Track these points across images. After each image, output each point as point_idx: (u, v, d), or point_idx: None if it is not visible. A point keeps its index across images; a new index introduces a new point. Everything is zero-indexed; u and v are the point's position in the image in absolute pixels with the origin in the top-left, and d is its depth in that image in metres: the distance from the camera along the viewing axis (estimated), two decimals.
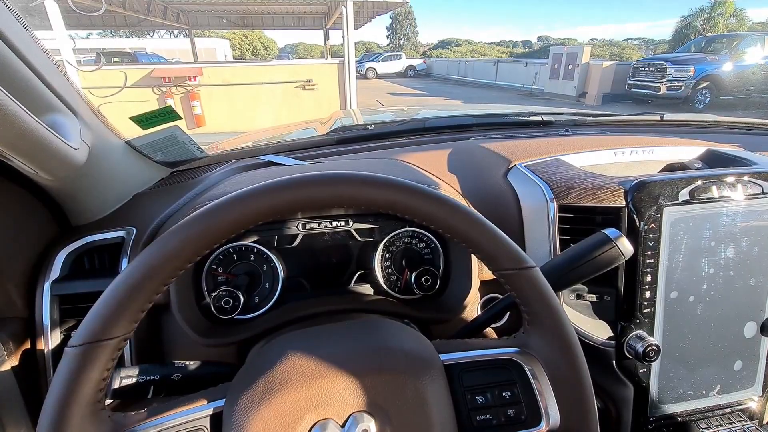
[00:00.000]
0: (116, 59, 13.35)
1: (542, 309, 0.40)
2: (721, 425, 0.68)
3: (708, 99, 9.53)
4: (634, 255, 0.59)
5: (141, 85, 6.88)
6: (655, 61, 10.42)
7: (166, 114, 0.73)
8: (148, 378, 0.46)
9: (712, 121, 1.25)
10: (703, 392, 0.66)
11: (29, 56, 0.46)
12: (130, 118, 0.72)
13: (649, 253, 0.59)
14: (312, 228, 0.70)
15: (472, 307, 0.68)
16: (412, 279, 0.70)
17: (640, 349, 0.59)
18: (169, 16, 11.01)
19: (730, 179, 0.61)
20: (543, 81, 13.91)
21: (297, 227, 0.69)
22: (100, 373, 0.32)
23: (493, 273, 0.41)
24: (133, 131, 0.77)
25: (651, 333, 0.61)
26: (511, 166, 0.73)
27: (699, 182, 0.59)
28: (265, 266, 0.69)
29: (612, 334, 0.63)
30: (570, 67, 12.35)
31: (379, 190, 0.37)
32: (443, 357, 0.41)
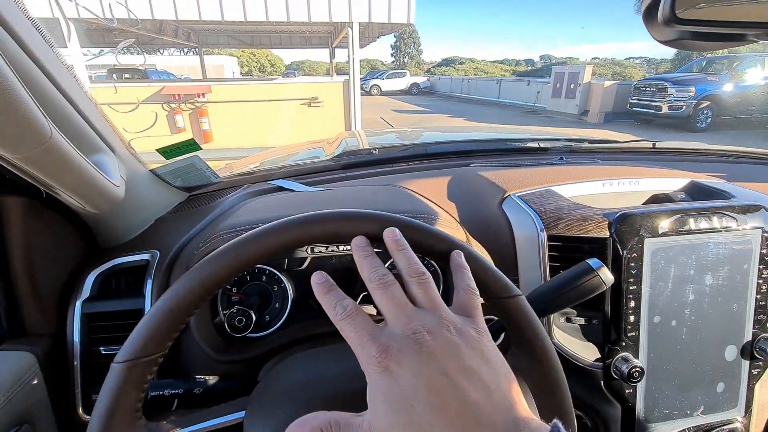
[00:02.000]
0: (127, 75, 13.73)
1: (528, 334, 0.44)
2: None
3: (710, 119, 9.63)
4: (618, 282, 0.64)
5: (151, 101, 7.07)
6: (656, 81, 10.57)
7: (189, 145, 0.79)
8: (174, 392, 0.51)
9: (701, 150, 1.30)
10: (688, 412, 0.69)
11: (77, 101, 0.53)
12: (156, 150, 0.78)
13: (632, 280, 0.64)
14: (320, 251, 0.75)
15: None
16: None
17: (626, 371, 0.63)
18: (180, 35, 11.38)
19: (708, 212, 0.66)
20: (545, 99, 14.12)
21: (306, 251, 0.75)
22: (140, 386, 0.37)
23: (484, 300, 0.46)
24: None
25: (636, 355, 0.65)
26: (506, 195, 0.79)
27: (677, 215, 0.65)
28: (275, 287, 0.74)
29: (600, 356, 0.67)
30: (572, 86, 12.55)
31: (383, 227, 0.43)
32: None
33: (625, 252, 0.63)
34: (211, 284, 0.40)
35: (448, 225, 0.70)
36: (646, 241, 0.64)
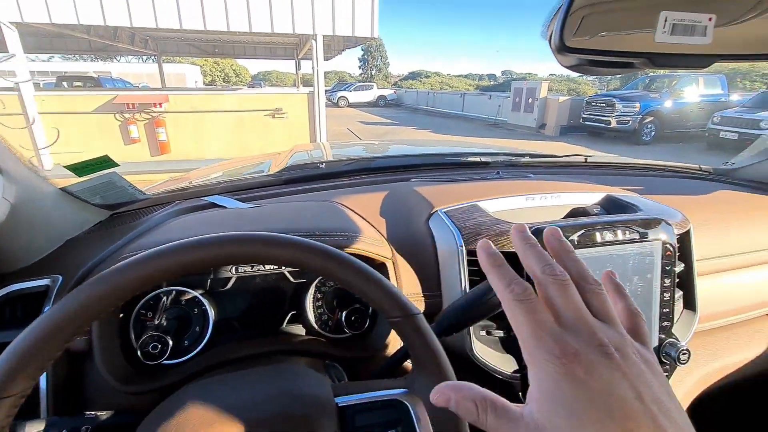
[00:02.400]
0: (78, 83, 13.02)
1: (424, 352, 0.45)
2: None
3: (653, 132, 10.38)
4: None
5: (103, 111, 6.73)
6: (605, 98, 11.31)
7: (103, 162, 0.75)
8: None
9: (627, 164, 1.39)
10: None
11: None
12: (65, 167, 0.74)
13: None
14: (245, 271, 0.73)
15: (395, 343, 0.72)
16: (343, 318, 0.74)
17: None
18: (137, 42, 10.95)
19: (613, 226, 0.70)
20: (506, 113, 14.71)
21: (230, 270, 0.72)
22: None
23: (386, 319, 0.46)
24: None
25: None
26: (433, 211, 0.80)
27: (584, 230, 0.68)
28: (196, 310, 0.71)
29: (519, 368, 0.69)
30: (530, 100, 13.17)
31: (275, 248, 0.42)
32: (339, 399, 0.45)
33: None
34: (83, 316, 0.37)
35: (372, 242, 0.71)
36: None
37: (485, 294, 0.55)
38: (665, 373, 0.75)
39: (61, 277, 0.66)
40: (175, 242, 0.40)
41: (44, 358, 0.36)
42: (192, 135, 7.25)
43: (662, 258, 0.72)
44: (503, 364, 0.68)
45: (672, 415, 0.26)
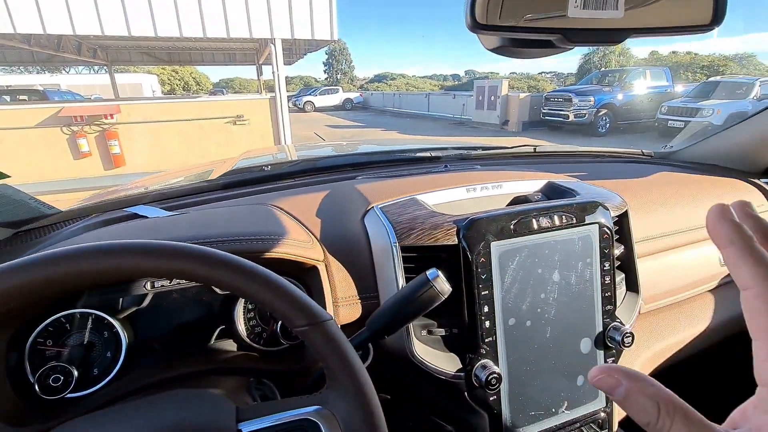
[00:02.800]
0: (23, 97, 12.18)
1: (336, 363, 0.40)
2: None
3: (608, 124, 10.87)
4: (470, 288, 0.63)
5: (48, 125, 6.30)
6: (562, 93, 11.76)
7: None
8: None
9: (575, 152, 1.41)
10: (553, 410, 0.70)
11: None
12: None
13: (482, 285, 0.63)
14: (162, 286, 0.66)
15: None
16: (278, 329, 0.68)
17: (483, 378, 0.62)
18: (84, 51, 10.37)
19: (549, 212, 0.68)
20: (470, 111, 15.00)
21: (144, 287, 0.65)
22: None
23: (291, 331, 0.41)
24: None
25: (496, 361, 0.65)
26: (369, 208, 0.76)
27: (521, 217, 0.66)
28: (106, 333, 0.63)
29: (462, 366, 0.65)
30: (492, 98, 13.49)
31: (153, 258, 0.36)
32: (243, 425, 0.40)
33: (473, 257, 0.63)
34: None
35: (299, 244, 0.65)
36: (492, 245, 0.64)
37: (417, 290, 0.51)
38: (611, 358, 0.74)
39: None
40: (16, 260, 0.34)
41: None
42: (148, 146, 6.92)
43: (600, 241, 0.71)
44: (446, 363, 0.65)
45: None
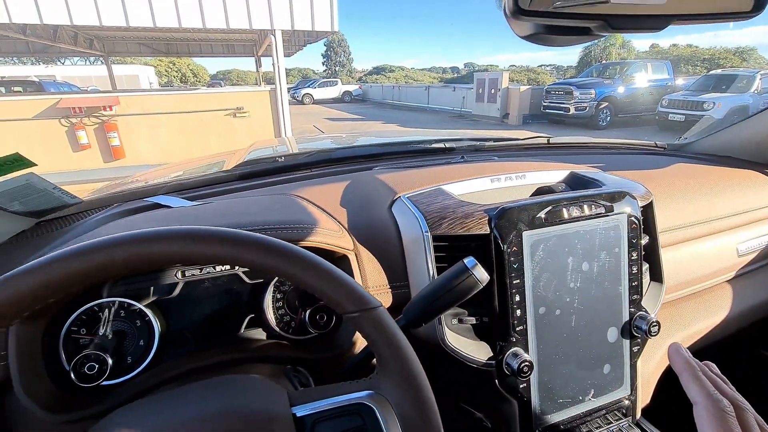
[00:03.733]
0: (18, 88, 12.03)
1: (388, 349, 0.40)
2: (600, 426, 0.73)
3: (609, 117, 10.86)
4: (502, 277, 0.64)
5: (46, 116, 6.24)
6: (563, 86, 11.72)
7: (14, 161, 0.65)
8: None
9: (589, 143, 1.41)
10: (580, 398, 0.71)
11: None
12: None
13: (514, 274, 0.63)
14: (193, 275, 0.66)
15: (362, 341, 0.68)
16: (306, 318, 0.68)
17: (516, 366, 0.62)
18: (81, 42, 10.23)
19: (579, 201, 0.68)
20: (470, 104, 14.94)
21: (175, 275, 0.65)
22: None
23: (341, 315, 0.41)
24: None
25: (526, 349, 0.65)
26: (396, 197, 0.76)
27: (551, 206, 0.66)
28: (138, 322, 0.63)
29: (492, 354, 0.66)
30: (492, 91, 13.43)
31: (204, 245, 0.36)
32: (297, 409, 0.40)
33: (505, 246, 0.63)
34: None
35: (330, 233, 0.65)
36: (524, 234, 0.64)
37: (455, 278, 0.51)
38: (636, 347, 0.74)
39: None
40: (78, 245, 0.34)
41: None
42: (148, 138, 6.87)
43: (628, 231, 0.71)
44: (477, 352, 0.65)
45: None
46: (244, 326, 0.70)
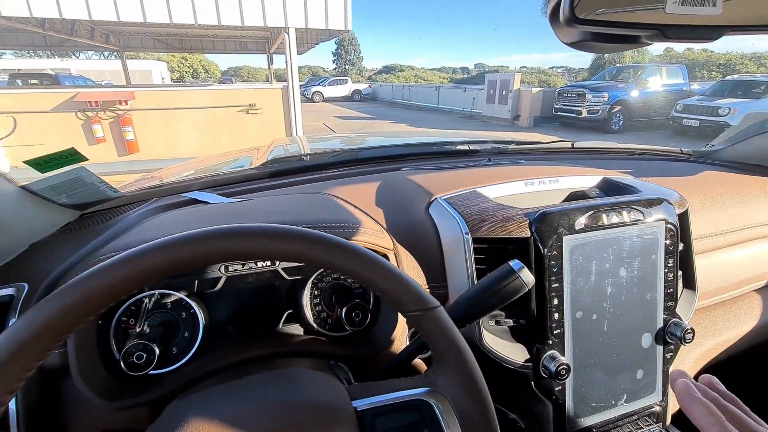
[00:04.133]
0: (34, 81, 12.24)
1: (447, 348, 0.41)
2: (631, 431, 0.74)
3: (621, 121, 10.75)
4: (540, 280, 0.64)
5: (63, 109, 6.34)
6: (575, 88, 11.61)
7: (68, 156, 0.68)
8: None
9: (613, 149, 1.40)
10: (613, 402, 0.71)
11: None
12: (25, 162, 0.66)
13: (554, 278, 0.64)
14: (236, 270, 0.67)
15: (401, 339, 0.69)
16: (343, 315, 0.70)
17: (553, 369, 0.63)
18: (97, 36, 10.36)
19: (617, 207, 0.69)
20: (480, 105, 14.88)
21: (219, 270, 0.67)
22: None
23: (401, 314, 0.42)
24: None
25: (562, 352, 0.66)
26: (433, 199, 0.77)
27: (590, 212, 0.66)
28: (184, 314, 0.65)
29: (529, 356, 0.67)
30: (504, 92, 13.36)
31: (276, 242, 0.38)
32: (356, 403, 0.41)
33: (545, 250, 0.64)
34: (57, 328, 0.32)
35: (372, 233, 0.67)
36: (565, 239, 0.64)
37: (501, 280, 0.52)
38: (669, 353, 0.75)
39: (26, 285, 0.59)
40: (165, 238, 0.35)
41: (13, 379, 0.31)
42: (162, 133, 6.95)
43: (665, 238, 0.71)
44: (514, 353, 0.66)
45: None
46: (282, 321, 0.72)
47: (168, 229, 0.64)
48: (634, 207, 0.69)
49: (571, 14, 0.51)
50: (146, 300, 0.63)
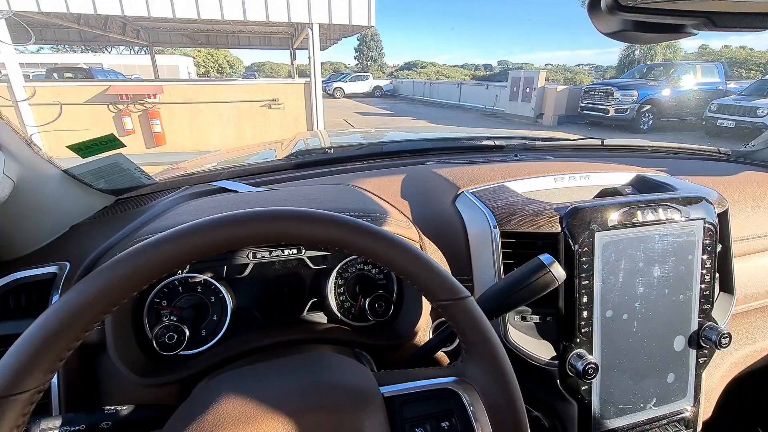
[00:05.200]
0: (69, 74, 12.74)
1: (477, 338, 0.41)
2: None
3: (651, 121, 10.35)
4: (570, 277, 0.63)
5: (96, 102, 6.60)
6: (603, 86, 11.24)
7: (108, 141, 0.70)
8: (73, 429, 0.43)
9: (645, 146, 1.36)
10: (642, 405, 0.69)
11: None
12: (68, 146, 0.69)
13: (584, 275, 0.62)
14: (263, 257, 0.69)
15: (424, 331, 0.69)
16: (366, 305, 0.70)
17: (580, 367, 0.62)
18: (129, 32, 10.70)
19: (653, 204, 0.66)
20: (503, 102, 14.61)
21: (247, 256, 0.68)
22: (9, 430, 0.30)
23: (431, 303, 0.42)
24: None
25: (590, 351, 0.64)
26: (459, 192, 0.76)
27: (625, 208, 0.64)
28: (213, 298, 0.67)
29: (555, 354, 0.65)
30: (527, 90, 13.08)
31: (317, 226, 0.38)
32: (384, 389, 0.41)
33: (576, 246, 0.62)
34: (103, 303, 0.33)
35: (399, 224, 0.66)
36: (597, 235, 0.63)
37: (532, 274, 0.51)
38: (703, 358, 0.72)
39: (68, 265, 0.61)
40: (213, 216, 0.36)
41: (61, 349, 0.32)
42: (187, 126, 7.14)
43: (704, 238, 0.68)
44: (540, 350, 0.65)
45: None
46: (306, 309, 0.73)
47: (204, 213, 0.66)
48: (671, 205, 0.67)
49: (614, 1, 0.49)
50: (178, 283, 0.65)
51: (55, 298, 0.58)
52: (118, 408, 0.46)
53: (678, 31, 0.55)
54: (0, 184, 0.48)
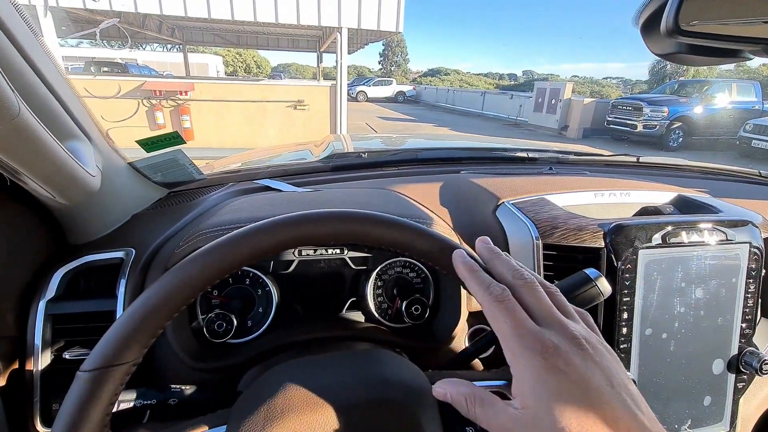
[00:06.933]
0: (106, 69, 13.30)
1: None
2: None
3: (681, 138, 10.08)
4: (612, 293, 0.64)
5: (131, 96, 6.87)
6: (632, 101, 11.01)
7: (172, 138, 0.75)
8: (146, 402, 0.46)
9: (683, 165, 1.34)
10: (676, 426, 0.69)
11: (53, 83, 0.48)
12: (136, 141, 0.74)
13: (626, 291, 0.63)
14: (308, 255, 0.72)
15: (460, 337, 0.70)
16: (403, 308, 0.72)
17: None
18: (164, 30, 11.11)
19: (698, 226, 0.66)
20: (527, 113, 14.48)
21: (293, 253, 0.71)
22: (109, 397, 0.33)
23: (482, 307, 0.44)
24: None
25: (628, 367, 0.65)
26: (500, 203, 0.77)
27: (670, 227, 0.65)
28: (259, 290, 0.70)
29: None
30: (553, 101, 12.93)
31: (390, 231, 0.41)
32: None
33: (619, 263, 0.63)
34: (196, 285, 0.36)
35: (442, 230, 0.69)
36: (641, 253, 0.63)
37: (578, 287, 0.52)
38: (742, 383, 0.71)
39: (134, 251, 0.66)
40: (298, 213, 0.39)
41: (156, 327, 0.35)
42: (214, 123, 7.35)
43: (749, 262, 0.68)
44: None
45: (636, 399, 0.29)
46: (345, 308, 0.76)
47: (261, 210, 0.69)
48: (717, 227, 0.67)
49: (674, 25, 0.50)
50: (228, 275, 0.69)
51: (122, 281, 0.63)
52: (183, 387, 0.50)
53: (733, 55, 0.55)
54: (96, 175, 0.53)
